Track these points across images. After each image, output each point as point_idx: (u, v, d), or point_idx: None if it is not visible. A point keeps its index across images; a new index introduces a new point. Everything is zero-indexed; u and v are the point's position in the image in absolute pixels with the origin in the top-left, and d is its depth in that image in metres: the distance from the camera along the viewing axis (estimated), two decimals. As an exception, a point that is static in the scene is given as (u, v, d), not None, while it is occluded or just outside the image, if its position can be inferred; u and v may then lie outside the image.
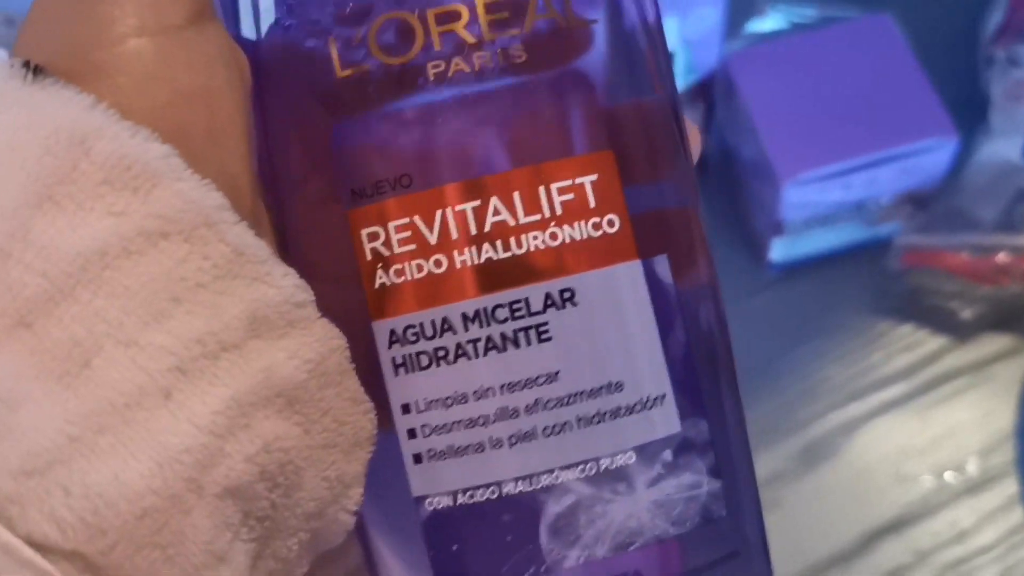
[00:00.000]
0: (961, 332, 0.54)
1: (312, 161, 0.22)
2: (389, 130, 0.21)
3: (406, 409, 0.21)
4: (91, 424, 0.18)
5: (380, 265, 0.21)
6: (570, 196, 0.20)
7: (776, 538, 0.50)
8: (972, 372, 0.53)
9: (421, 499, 0.21)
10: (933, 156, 0.50)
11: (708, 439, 0.21)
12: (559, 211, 0.20)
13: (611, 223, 0.21)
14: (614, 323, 0.21)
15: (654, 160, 0.22)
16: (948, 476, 0.51)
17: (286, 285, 0.20)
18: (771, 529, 0.51)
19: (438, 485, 0.21)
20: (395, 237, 0.21)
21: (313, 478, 0.20)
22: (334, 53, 0.21)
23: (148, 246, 0.19)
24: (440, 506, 0.21)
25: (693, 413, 0.21)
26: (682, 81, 0.52)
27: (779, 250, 0.54)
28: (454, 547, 0.21)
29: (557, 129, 0.21)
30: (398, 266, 0.21)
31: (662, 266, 0.21)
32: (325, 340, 0.20)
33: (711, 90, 0.54)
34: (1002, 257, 0.51)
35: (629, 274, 0.21)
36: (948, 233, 0.52)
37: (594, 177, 0.21)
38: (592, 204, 0.21)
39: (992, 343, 0.53)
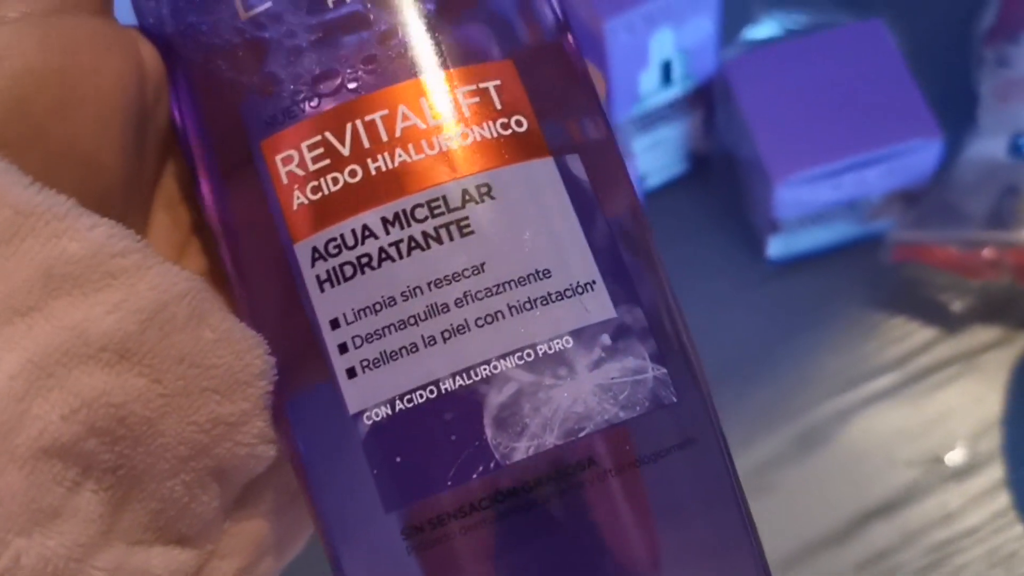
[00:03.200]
0: (952, 323, 0.55)
1: (224, 111, 0.22)
2: (293, 56, 0.21)
3: (335, 324, 0.21)
4: None
5: (296, 186, 0.21)
6: (476, 100, 0.21)
7: (771, 520, 0.53)
8: (962, 361, 0.55)
9: (359, 415, 0.21)
10: (919, 156, 0.52)
11: (646, 326, 0.21)
12: (467, 113, 0.21)
13: (519, 123, 0.21)
14: (534, 214, 0.21)
15: (551, 75, 0.23)
16: (937, 461, 0.53)
17: (94, 237, 0.19)
18: (766, 511, 0.54)
19: (375, 396, 0.20)
20: (308, 156, 0.21)
21: (176, 424, 0.20)
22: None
23: None
24: (379, 417, 0.20)
25: (627, 300, 0.21)
26: (681, 88, 0.55)
27: (776, 247, 0.56)
28: (397, 458, 0.20)
29: (459, 40, 0.22)
30: (314, 183, 0.21)
31: (575, 163, 0.22)
32: (163, 287, 0.20)
33: (711, 95, 0.56)
34: (989, 252, 0.53)
35: (543, 169, 0.21)
36: (938, 228, 0.54)
37: (497, 82, 0.22)
38: (498, 106, 0.21)
39: (981, 334, 0.55)
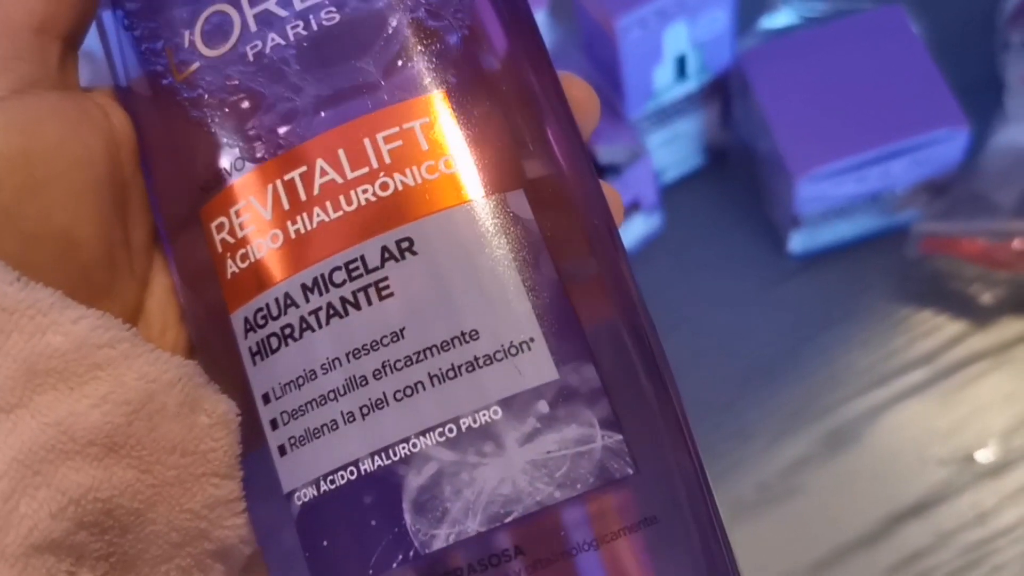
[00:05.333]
0: (982, 316, 0.54)
1: (175, 171, 0.22)
2: (222, 118, 0.20)
3: (266, 399, 0.20)
4: None
5: (228, 254, 0.20)
6: (398, 143, 0.19)
7: (801, 522, 0.52)
8: (993, 355, 0.54)
9: (291, 494, 0.20)
10: (945, 147, 0.50)
11: (599, 386, 0.19)
12: (388, 160, 0.19)
13: (448, 164, 0.19)
14: (460, 268, 0.19)
15: (496, 101, 0.21)
16: (970, 459, 0.52)
17: (78, 330, 0.19)
18: (795, 514, 0.53)
19: (303, 475, 0.19)
20: (236, 222, 0.20)
21: (167, 512, 0.20)
22: (171, 60, 0.21)
23: None
24: (307, 498, 0.19)
25: (574, 357, 0.19)
26: (696, 81, 0.53)
27: (797, 241, 0.55)
28: (324, 542, 0.19)
29: (376, 79, 0.20)
30: (243, 250, 0.20)
31: (518, 201, 0.20)
32: (151, 376, 0.19)
33: (727, 88, 0.55)
34: (1019, 242, 0.51)
35: (474, 213, 0.19)
36: (966, 219, 0.52)
37: (424, 120, 0.20)
38: (424, 147, 0.20)
39: (1013, 326, 0.54)
